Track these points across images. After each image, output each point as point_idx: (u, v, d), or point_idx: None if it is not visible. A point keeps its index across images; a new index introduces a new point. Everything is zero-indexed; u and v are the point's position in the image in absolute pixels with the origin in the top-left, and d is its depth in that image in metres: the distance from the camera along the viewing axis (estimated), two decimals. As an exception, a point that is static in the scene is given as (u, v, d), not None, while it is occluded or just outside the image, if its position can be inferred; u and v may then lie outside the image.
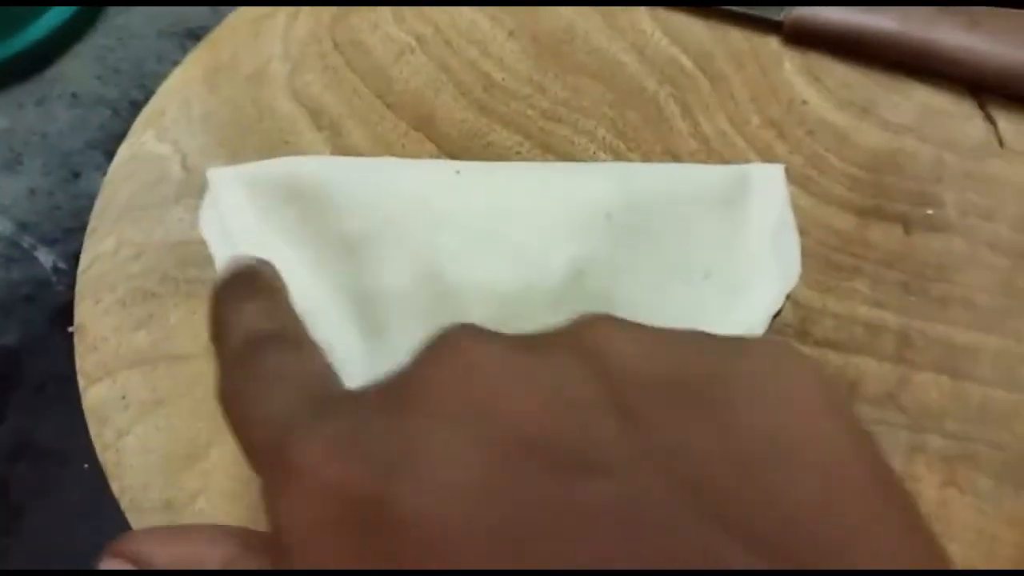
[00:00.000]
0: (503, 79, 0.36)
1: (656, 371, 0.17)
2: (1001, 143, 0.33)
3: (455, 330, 0.18)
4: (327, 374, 0.20)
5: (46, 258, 0.39)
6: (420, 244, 0.31)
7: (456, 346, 0.17)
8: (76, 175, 0.40)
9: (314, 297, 0.32)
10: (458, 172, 0.32)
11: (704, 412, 0.16)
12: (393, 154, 0.34)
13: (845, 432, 0.17)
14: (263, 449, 0.18)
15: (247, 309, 0.22)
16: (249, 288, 0.24)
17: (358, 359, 0.31)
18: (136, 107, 0.39)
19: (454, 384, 0.16)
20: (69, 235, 0.39)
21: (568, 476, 0.15)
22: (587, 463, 0.15)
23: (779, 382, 0.17)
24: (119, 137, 0.37)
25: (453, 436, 0.15)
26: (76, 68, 0.42)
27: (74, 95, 0.41)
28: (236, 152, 0.35)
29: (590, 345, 0.17)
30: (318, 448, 0.16)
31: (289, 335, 0.22)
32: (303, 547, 0.15)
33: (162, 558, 0.18)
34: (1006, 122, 0.34)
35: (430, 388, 0.16)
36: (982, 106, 0.34)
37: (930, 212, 0.33)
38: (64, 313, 0.37)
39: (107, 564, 0.19)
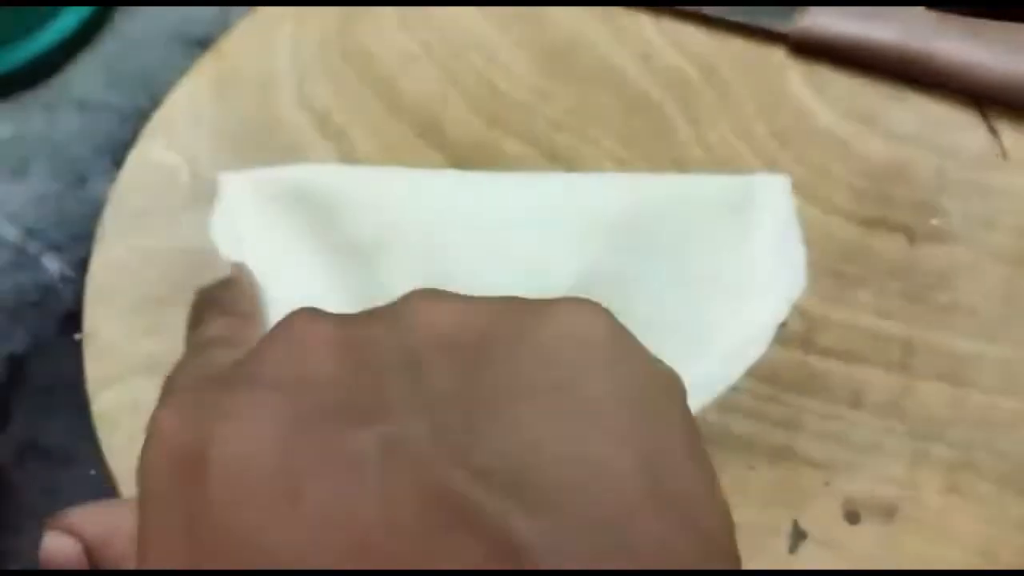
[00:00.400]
0: (509, 88, 0.36)
1: (457, 335, 0.19)
2: (1004, 153, 0.34)
3: (294, 312, 0.20)
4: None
5: (53, 264, 0.39)
6: (427, 253, 0.31)
7: (289, 325, 0.19)
8: (83, 181, 0.40)
9: (324, 300, 0.32)
10: (463, 182, 0.32)
11: (487, 367, 0.18)
12: (400, 162, 0.35)
13: (624, 387, 0.18)
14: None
15: (214, 316, 0.29)
16: (223, 292, 0.31)
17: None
18: (143, 114, 0.39)
19: (278, 356, 0.19)
20: (76, 241, 0.39)
21: (347, 426, 0.17)
22: (367, 414, 0.17)
23: (566, 337, 0.19)
24: (126, 144, 0.37)
25: (265, 399, 0.18)
26: (83, 75, 0.42)
27: (81, 102, 0.41)
28: (244, 160, 0.35)
29: (403, 316, 0.20)
30: (167, 411, 0.18)
31: (234, 342, 0.26)
32: (143, 491, 0.18)
33: (91, 528, 0.20)
34: (1009, 132, 0.34)
35: (261, 361, 0.19)
36: (985, 117, 0.34)
37: (934, 222, 0.33)
38: (71, 319, 0.37)
39: (47, 537, 0.21)
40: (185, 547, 0.17)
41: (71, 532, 0.21)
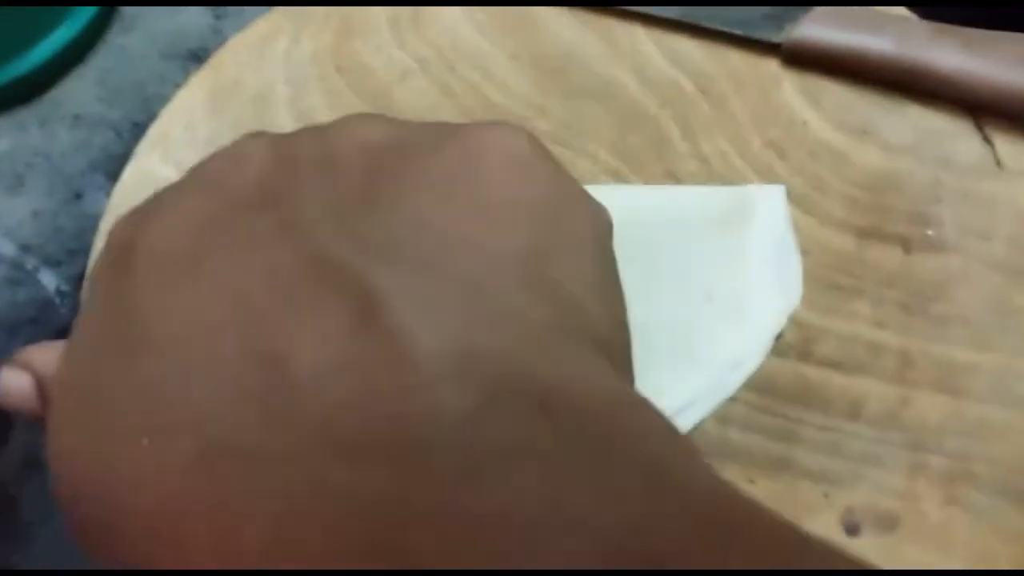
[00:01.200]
0: (505, 102, 0.36)
1: (378, 142, 0.21)
2: (999, 163, 0.34)
3: (248, 133, 0.22)
4: None
5: (49, 280, 0.39)
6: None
7: (235, 143, 0.22)
8: (79, 196, 0.40)
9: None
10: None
11: (400, 167, 0.20)
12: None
13: (530, 195, 0.20)
14: None
15: None
16: None
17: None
18: (138, 128, 0.39)
19: (213, 165, 0.21)
20: (72, 257, 0.39)
21: (254, 215, 0.19)
22: (274, 205, 0.19)
23: (484, 147, 0.21)
24: (121, 158, 0.37)
25: (189, 199, 0.20)
26: (78, 90, 0.42)
27: (76, 117, 0.41)
28: (241, 175, 0.35)
29: (332, 128, 0.22)
30: (115, 224, 0.21)
31: None
32: (85, 295, 0.21)
33: (44, 363, 0.21)
34: (1003, 142, 0.34)
35: (197, 171, 0.22)
36: (979, 127, 0.34)
37: (929, 232, 0.33)
38: (68, 334, 0.37)
39: (2, 373, 0.22)
40: (102, 327, 0.19)
41: (25, 367, 0.22)
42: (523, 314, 0.17)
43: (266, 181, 0.20)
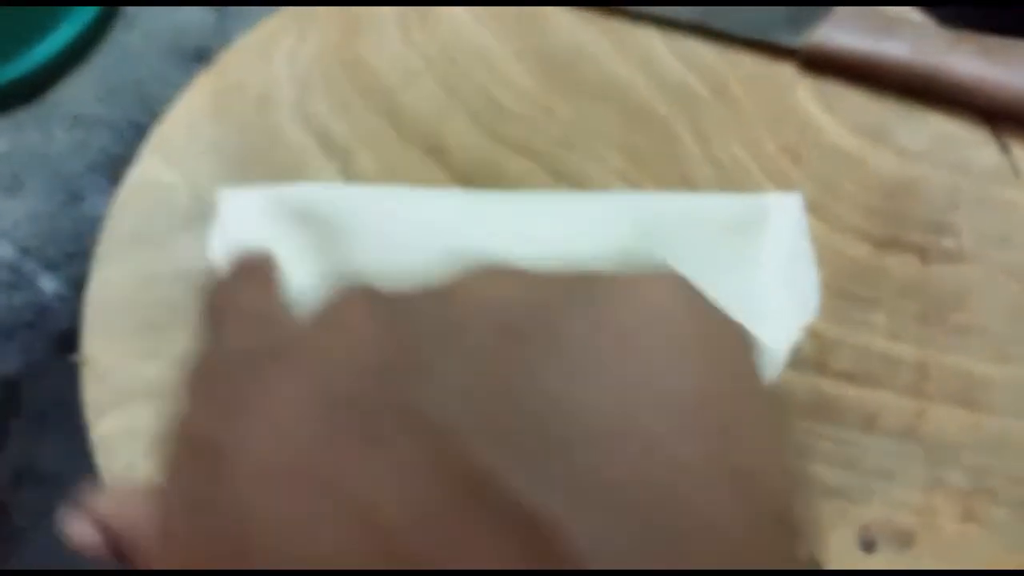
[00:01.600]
0: (512, 103, 0.35)
1: (508, 307, 0.17)
2: (1016, 172, 0.33)
3: (341, 290, 0.19)
4: None
5: (48, 283, 0.38)
6: (429, 274, 0.31)
7: (333, 305, 0.18)
8: (78, 198, 0.39)
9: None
10: (468, 202, 0.32)
11: (537, 338, 0.16)
12: (402, 179, 0.34)
13: (700, 372, 0.17)
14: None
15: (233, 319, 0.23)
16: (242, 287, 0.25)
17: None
18: (138, 129, 0.38)
19: (310, 336, 0.18)
20: (71, 260, 0.38)
21: (371, 404, 0.16)
22: (392, 389, 0.16)
23: (632, 311, 0.17)
24: (121, 159, 0.36)
25: (287, 382, 0.17)
26: (77, 90, 0.41)
27: (75, 117, 0.41)
28: (244, 179, 0.34)
29: (451, 288, 0.18)
30: (186, 400, 0.18)
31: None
32: (163, 483, 0.18)
33: (114, 516, 0.20)
34: (1021, 149, 0.34)
35: (294, 341, 0.18)
36: (997, 135, 0.34)
37: (946, 241, 0.32)
38: (66, 339, 0.36)
39: (73, 522, 0.21)
40: (199, 536, 0.16)
41: (92, 520, 0.21)
42: (721, 525, 0.15)
43: (378, 361, 0.17)
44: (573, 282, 0.18)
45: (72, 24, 0.40)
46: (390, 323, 0.17)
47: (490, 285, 0.18)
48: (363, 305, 0.18)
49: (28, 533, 0.36)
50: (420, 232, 0.31)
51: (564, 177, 0.34)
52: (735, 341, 0.18)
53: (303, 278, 0.32)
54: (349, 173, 0.34)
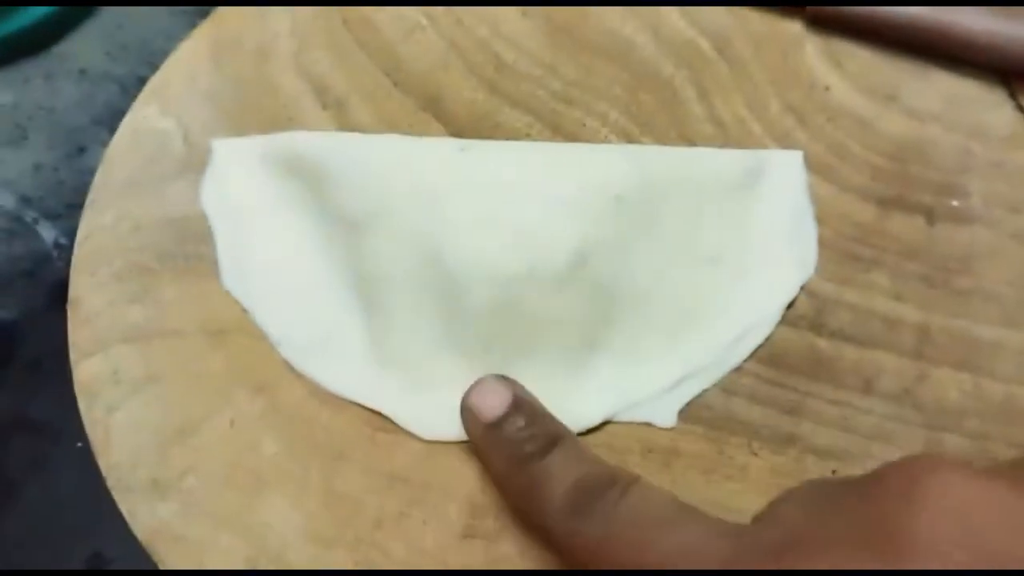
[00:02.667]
0: (514, 59, 0.35)
1: None
2: (1031, 134, 0.32)
3: (919, 468, 0.18)
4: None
5: (48, 233, 0.38)
6: (420, 224, 0.30)
7: (931, 485, 0.18)
8: (81, 151, 0.39)
9: (316, 271, 0.31)
10: (462, 150, 0.31)
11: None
12: (398, 131, 0.33)
13: None
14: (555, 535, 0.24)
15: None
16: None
17: (358, 334, 0.31)
18: (143, 84, 0.38)
19: (944, 527, 0.17)
20: (72, 211, 0.38)
21: None
22: None
23: None
24: (125, 114, 0.36)
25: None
26: (85, 44, 0.41)
27: (82, 71, 0.41)
28: (239, 128, 0.34)
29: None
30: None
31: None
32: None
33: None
34: (1038, 112, 0.32)
35: (916, 530, 0.17)
36: (1013, 95, 0.32)
37: (955, 203, 0.31)
38: (64, 289, 0.36)
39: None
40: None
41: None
42: None
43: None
44: None
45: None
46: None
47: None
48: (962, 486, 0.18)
49: (20, 483, 0.36)
50: (410, 181, 0.31)
51: (562, 131, 0.33)
52: None
53: (292, 225, 0.32)
54: (345, 126, 0.34)
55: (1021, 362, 0.29)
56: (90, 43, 0.41)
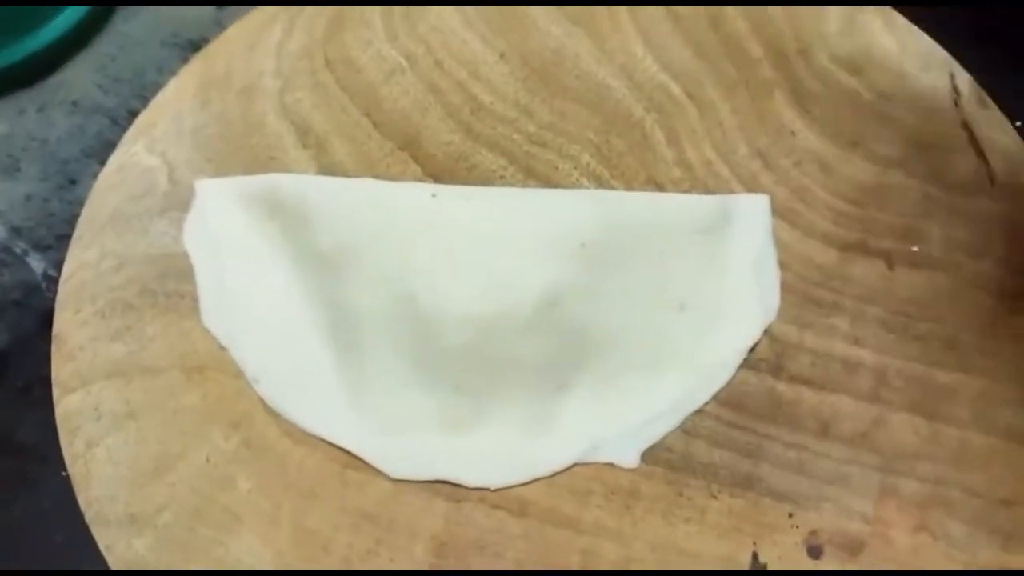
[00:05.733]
0: (491, 102, 0.35)
1: None
2: (992, 180, 0.33)
3: None
4: None
5: (37, 264, 0.39)
6: (393, 266, 0.31)
7: None
8: (72, 183, 0.40)
9: (293, 310, 0.32)
10: (434, 195, 0.32)
11: None
12: (377, 173, 0.34)
13: None
14: None
15: None
16: None
17: (331, 374, 0.32)
18: (134, 117, 0.39)
19: None
20: (62, 242, 0.39)
21: None
22: None
23: None
24: (115, 146, 0.37)
25: None
26: (78, 76, 0.42)
27: (74, 103, 0.42)
28: (223, 167, 0.35)
29: None
30: None
31: None
32: None
33: None
34: (997, 157, 0.33)
35: None
36: (973, 140, 0.33)
37: (915, 248, 0.32)
38: (52, 319, 0.37)
39: None
40: None
41: None
42: None
43: None
44: None
45: (74, 10, 0.41)
46: None
47: None
48: None
49: (5, 506, 0.37)
50: (384, 224, 0.32)
51: (536, 175, 0.34)
52: None
53: (272, 264, 0.33)
54: (325, 165, 0.35)
55: (977, 408, 0.30)
56: (83, 75, 0.42)
